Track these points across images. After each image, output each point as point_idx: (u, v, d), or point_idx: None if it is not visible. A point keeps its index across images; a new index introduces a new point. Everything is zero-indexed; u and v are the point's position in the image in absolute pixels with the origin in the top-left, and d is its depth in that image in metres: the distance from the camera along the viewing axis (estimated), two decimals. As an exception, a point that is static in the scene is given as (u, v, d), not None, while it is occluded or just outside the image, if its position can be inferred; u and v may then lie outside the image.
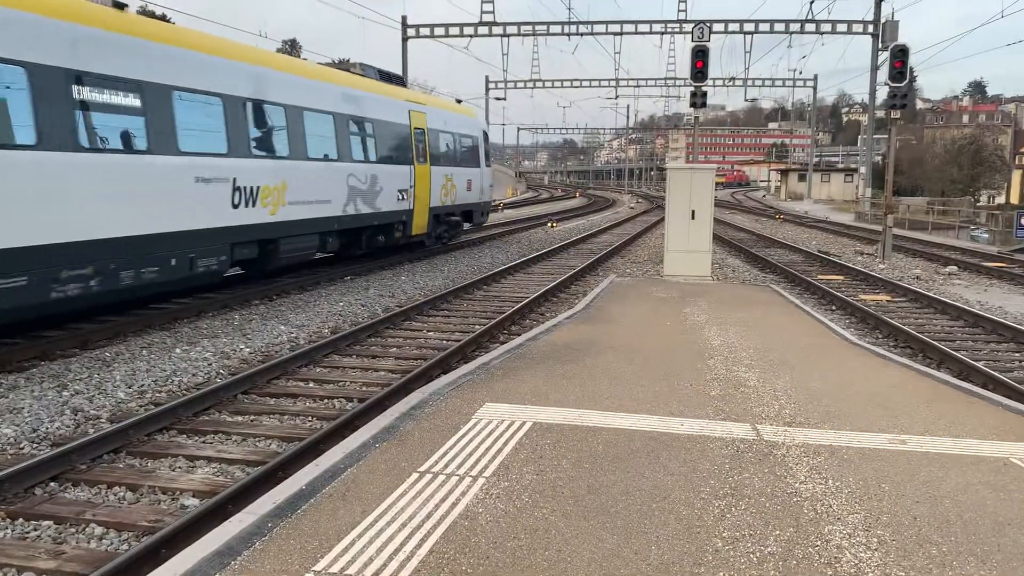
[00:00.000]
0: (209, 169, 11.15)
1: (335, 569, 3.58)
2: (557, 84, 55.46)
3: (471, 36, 39.25)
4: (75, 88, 8.90)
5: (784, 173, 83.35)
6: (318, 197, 14.05)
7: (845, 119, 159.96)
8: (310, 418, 7.04)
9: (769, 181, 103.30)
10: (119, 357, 8.95)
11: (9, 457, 5.94)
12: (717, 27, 37.06)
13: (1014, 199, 57.97)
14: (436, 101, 21.28)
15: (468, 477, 4.71)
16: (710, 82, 45.39)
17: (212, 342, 9.74)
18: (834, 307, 13.58)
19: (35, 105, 8.37)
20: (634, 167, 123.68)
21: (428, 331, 10.87)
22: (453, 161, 20.64)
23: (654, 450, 5.25)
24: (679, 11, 40.38)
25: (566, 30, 39.74)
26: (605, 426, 5.74)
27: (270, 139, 12.80)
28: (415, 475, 4.72)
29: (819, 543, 3.94)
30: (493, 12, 39.18)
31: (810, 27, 37.80)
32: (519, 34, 39.80)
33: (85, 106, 9.05)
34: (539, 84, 53.79)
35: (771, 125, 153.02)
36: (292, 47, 55.22)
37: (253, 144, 12.29)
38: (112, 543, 4.66)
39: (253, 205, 12.15)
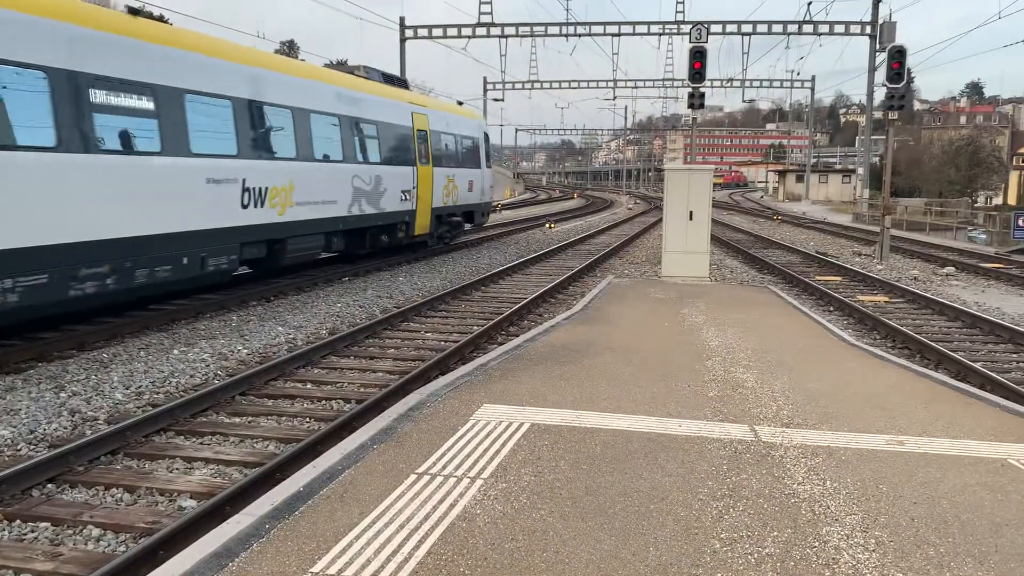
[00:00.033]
0: (220, 170, 11.36)
1: (333, 571, 3.58)
2: (555, 85, 55.48)
3: (469, 37, 39.24)
4: (92, 92, 9.13)
5: (782, 174, 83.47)
6: (324, 198, 14.24)
7: (843, 120, 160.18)
8: (308, 419, 7.03)
9: (767, 182, 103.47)
10: (117, 358, 8.94)
11: (6, 459, 5.93)
12: (715, 28, 37.13)
13: (1011, 200, 58.11)
14: (438, 103, 21.43)
15: (466, 478, 4.70)
16: (708, 83, 45.53)
17: (210, 343, 9.74)
18: (832, 308, 13.59)
19: (55, 108, 8.60)
20: (632, 168, 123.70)
21: (426, 332, 10.87)
22: (455, 162, 20.81)
23: (652, 451, 5.25)
24: (677, 12, 40.54)
25: (564, 31, 39.74)
26: (603, 427, 5.74)
27: (278, 141, 12.98)
28: (413, 476, 4.72)
29: (817, 544, 3.94)
30: (491, 13, 39.22)
31: (808, 28, 37.83)
32: (517, 35, 39.80)
33: (101, 109, 9.26)
34: (537, 85, 53.77)
35: (769, 126, 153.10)
36: (290, 48, 55.24)
37: (262, 146, 12.49)
38: (110, 545, 4.65)
39: (262, 206, 12.34)
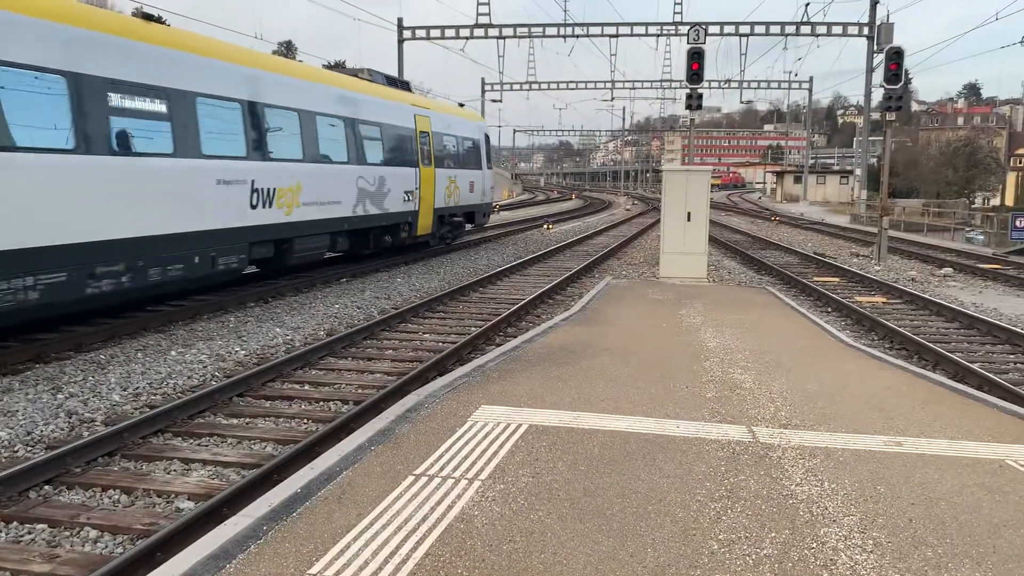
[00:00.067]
0: (230, 172, 11.54)
1: (330, 572, 3.58)
2: (553, 86, 55.49)
3: (467, 38, 39.21)
4: (110, 95, 9.30)
5: (780, 175, 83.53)
6: (330, 199, 14.43)
7: (840, 121, 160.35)
8: (305, 420, 7.03)
9: (765, 183, 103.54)
10: (114, 359, 8.93)
11: (3, 460, 5.92)
12: (713, 29, 37.10)
13: (1009, 201, 58.18)
14: (440, 105, 21.61)
15: (464, 480, 4.70)
16: (706, 84, 45.56)
17: (207, 344, 9.73)
18: (830, 309, 13.60)
19: (74, 111, 8.77)
20: (630, 169, 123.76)
21: (424, 333, 10.86)
22: (456, 163, 21.00)
23: (650, 452, 5.25)
24: (675, 13, 40.54)
25: (562, 32, 39.72)
26: (601, 428, 5.73)
27: (286, 143, 13.15)
28: (411, 478, 4.71)
29: (815, 545, 3.94)
30: (489, 14, 39.19)
31: (805, 29, 37.84)
32: (515, 36, 39.77)
33: (118, 113, 9.44)
34: (535, 86, 53.75)
35: (767, 127, 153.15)
36: (288, 49, 55.26)
37: (270, 147, 12.64)
38: (107, 546, 4.65)
39: (270, 206, 12.52)
